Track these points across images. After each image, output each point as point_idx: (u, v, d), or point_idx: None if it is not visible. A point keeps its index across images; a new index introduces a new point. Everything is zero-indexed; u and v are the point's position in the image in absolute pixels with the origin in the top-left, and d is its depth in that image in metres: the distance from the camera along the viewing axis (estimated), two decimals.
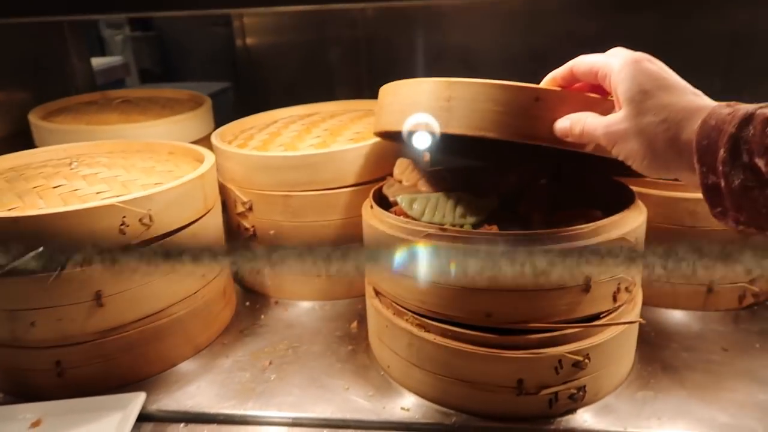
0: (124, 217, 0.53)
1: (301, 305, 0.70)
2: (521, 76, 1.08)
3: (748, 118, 0.34)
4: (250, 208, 0.68)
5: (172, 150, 0.71)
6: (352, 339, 0.63)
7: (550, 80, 0.47)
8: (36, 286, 0.52)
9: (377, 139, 0.67)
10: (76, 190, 0.57)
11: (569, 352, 0.49)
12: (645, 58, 0.41)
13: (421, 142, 0.76)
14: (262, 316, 0.68)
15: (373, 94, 0.87)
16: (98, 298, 0.54)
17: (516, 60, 1.05)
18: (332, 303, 0.69)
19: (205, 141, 0.84)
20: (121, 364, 0.57)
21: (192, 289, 0.60)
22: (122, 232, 0.53)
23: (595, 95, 0.46)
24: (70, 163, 0.64)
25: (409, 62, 1.15)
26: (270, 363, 0.59)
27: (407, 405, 0.53)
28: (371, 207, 0.56)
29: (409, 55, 1.15)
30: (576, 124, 0.43)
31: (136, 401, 0.53)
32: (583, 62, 0.44)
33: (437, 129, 0.79)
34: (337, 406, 0.53)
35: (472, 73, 1.17)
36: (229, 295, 0.68)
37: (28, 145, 0.87)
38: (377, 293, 0.57)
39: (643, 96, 0.39)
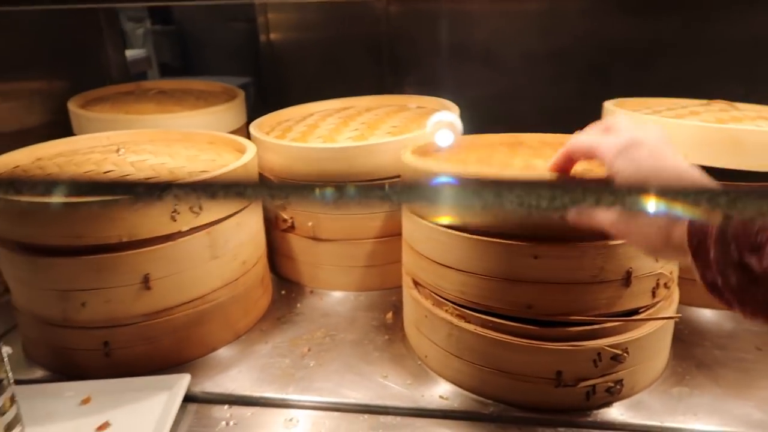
0: (176, 204, 0.54)
1: (336, 295, 0.71)
2: (541, 75, 1.08)
3: (730, 215, 0.33)
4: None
5: (212, 140, 0.73)
6: (387, 329, 0.64)
7: (552, 168, 0.48)
8: (88, 267, 0.54)
9: (415, 133, 0.68)
10: (127, 175, 0.59)
11: (608, 346, 0.50)
12: (633, 143, 0.41)
13: (444, 140, 0.78)
14: (298, 305, 0.69)
15: (395, 92, 0.89)
16: (146, 281, 0.55)
17: (537, 58, 1.05)
18: (366, 294, 0.71)
19: (238, 132, 0.85)
20: (166, 347, 0.58)
21: (233, 275, 0.61)
22: (173, 218, 0.55)
23: None
24: (117, 150, 0.66)
25: (431, 60, 1.16)
26: (309, 350, 0.61)
27: (445, 394, 0.54)
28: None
29: (431, 53, 1.16)
30: (585, 216, 0.44)
31: (181, 382, 0.54)
32: (578, 148, 0.45)
33: (460, 129, 0.81)
34: (375, 393, 0.55)
35: (493, 72, 1.17)
36: (267, 283, 0.69)
37: (67, 132, 0.89)
38: (416, 284, 0.59)
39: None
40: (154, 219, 0.54)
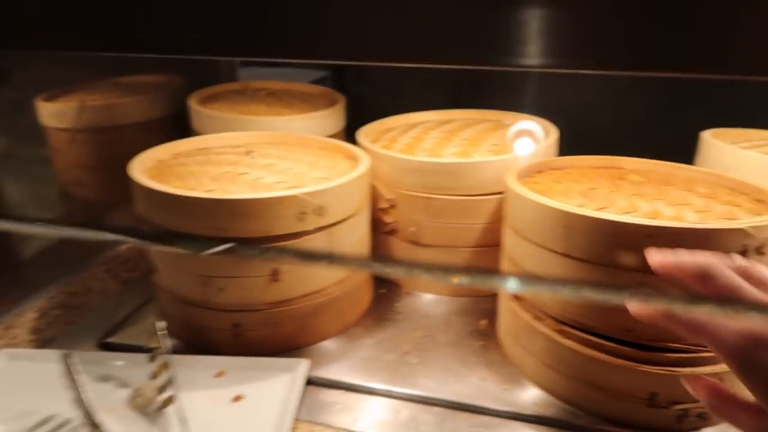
0: (304, 206, 0.61)
1: (431, 298, 0.76)
2: (624, 88, 1.07)
3: None
4: (393, 206, 0.75)
5: (323, 146, 0.79)
6: (482, 335, 0.69)
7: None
8: (228, 259, 0.61)
9: (516, 154, 0.72)
10: (260, 178, 0.66)
11: (704, 374, 0.53)
12: (763, 343, 0.31)
13: (524, 149, 0.81)
14: (397, 305, 0.75)
15: (473, 104, 0.92)
16: (275, 274, 0.62)
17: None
18: (459, 299, 0.76)
19: (336, 137, 0.91)
20: (286, 333, 0.65)
21: (346, 273, 0.67)
22: (300, 219, 0.61)
23: None
24: (247, 152, 0.73)
25: (511, 73, 1.18)
26: (410, 348, 0.66)
27: (539, 401, 0.59)
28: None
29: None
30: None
31: (302, 366, 0.61)
32: (690, 326, 0.35)
33: (541, 138, 0.84)
34: (474, 394, 0.60)
35: (574, 84, 1.16)
36: (369, 282, 0.75)
37: (184, 126, 0.98)
38: (515, 297, 0.63)
39: None
40: (285, 219, 0.61)
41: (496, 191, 0.71)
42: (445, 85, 1.27)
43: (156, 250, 0.66)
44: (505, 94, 1.20)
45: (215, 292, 0.63)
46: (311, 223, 0.62)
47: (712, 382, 0.37)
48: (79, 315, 0.75)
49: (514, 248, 0.62)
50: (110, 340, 0.69)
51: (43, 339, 0.70)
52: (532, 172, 0.68)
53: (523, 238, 0.59)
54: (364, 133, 0.81)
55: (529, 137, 0.82)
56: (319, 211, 0.62)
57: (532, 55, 0.27)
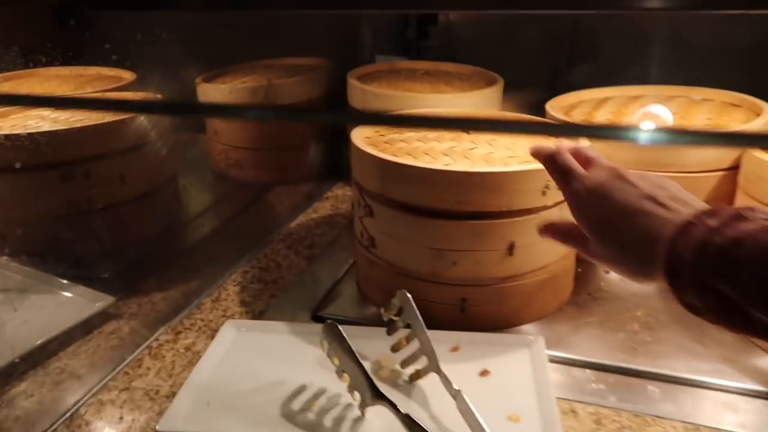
0: (548, 180, 0.59)
1: None
2: (737, 67, 0.99)
3: (700, 248, 0.35)
4: None
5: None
6: None
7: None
8: (467, 231, 0.60)
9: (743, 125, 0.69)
10: (491, 152, 0.64)
11: None
12: (593, 192, 0.43)
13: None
14: (602, 283, 0.73)
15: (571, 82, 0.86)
16: (511, 248, 0.61)
17: (732, 49, 0.98)
18: None
19: None
20: (509, 309, 0.64)
21: (568, 249, 0.66)
22: (543, 193, 0.60)
23: None
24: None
25: (611, 54, 1.11)
26: (639, 327, 0.65)
27: None
28: None
29: (612, 46, 1.11)
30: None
31: (539, 342, 0.60)
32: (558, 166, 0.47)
33: (670, 120, 0.80)
34: (722, 373, 0.58)
35: (684, 65, 1.06)
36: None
37: (340, 104, 0.98)
38: None
39: (598, 235, 0.43)
40: (529, 193, 0.60)
41: (717, 168, 0.68)
42: (539, 70, 1.21)
43: (381, 224, 0.65)
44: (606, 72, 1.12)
45: (447, 266, 0.62)
46: (552, 198, 0.61)
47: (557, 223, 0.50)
48: (278, 289, 0.76)
49: None
50: (323, 312, 0.70)
51: (254, 311, 0.71)
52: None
53: None
54: (552, 108, 0.79)
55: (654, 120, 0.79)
56: None
57: None
